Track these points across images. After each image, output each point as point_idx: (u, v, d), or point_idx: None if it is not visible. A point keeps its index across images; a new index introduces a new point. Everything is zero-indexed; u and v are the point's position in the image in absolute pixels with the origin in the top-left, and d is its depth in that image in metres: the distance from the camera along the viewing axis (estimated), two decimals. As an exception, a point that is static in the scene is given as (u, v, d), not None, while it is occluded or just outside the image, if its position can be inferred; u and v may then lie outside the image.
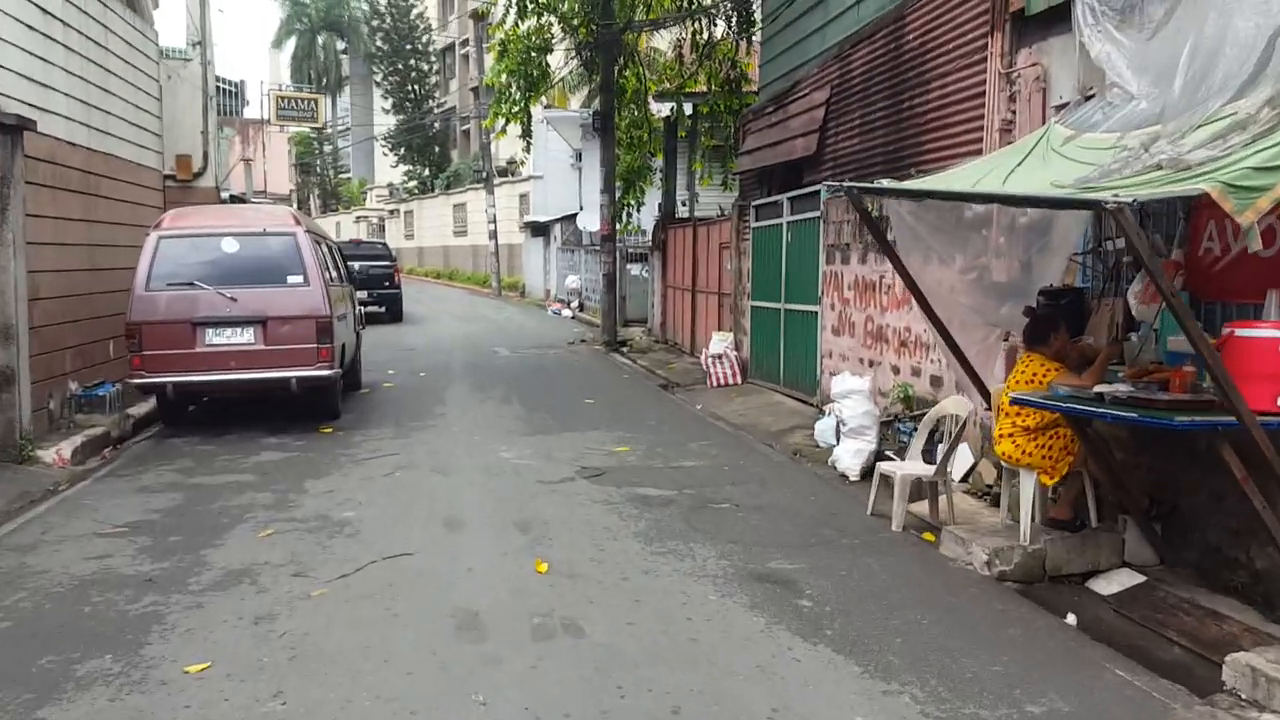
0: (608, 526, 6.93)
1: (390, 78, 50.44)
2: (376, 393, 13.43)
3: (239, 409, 11.39)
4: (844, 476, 8.86)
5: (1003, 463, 6.26)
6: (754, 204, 13.67)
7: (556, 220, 33.15)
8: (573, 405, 12.49)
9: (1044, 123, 7.12)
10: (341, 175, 73.66)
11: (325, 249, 12.05)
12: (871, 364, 10.08)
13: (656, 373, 16.01)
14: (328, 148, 71.10)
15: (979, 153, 7.93)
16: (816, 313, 11.44)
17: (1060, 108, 6.98)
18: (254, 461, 9.16)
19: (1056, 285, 6.71)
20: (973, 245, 6.90)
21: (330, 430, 10.61)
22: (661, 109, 20.42)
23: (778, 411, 11.76)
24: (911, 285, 6.62)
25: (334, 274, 12.08)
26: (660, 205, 20.62)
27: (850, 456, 8.98)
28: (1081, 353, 6.12)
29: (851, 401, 9.18)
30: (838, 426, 9.71)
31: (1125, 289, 6.27)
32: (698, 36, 18.95)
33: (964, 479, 7.93)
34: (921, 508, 7.35)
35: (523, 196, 39.00)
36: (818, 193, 11.37)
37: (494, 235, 36.38)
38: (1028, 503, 6.01)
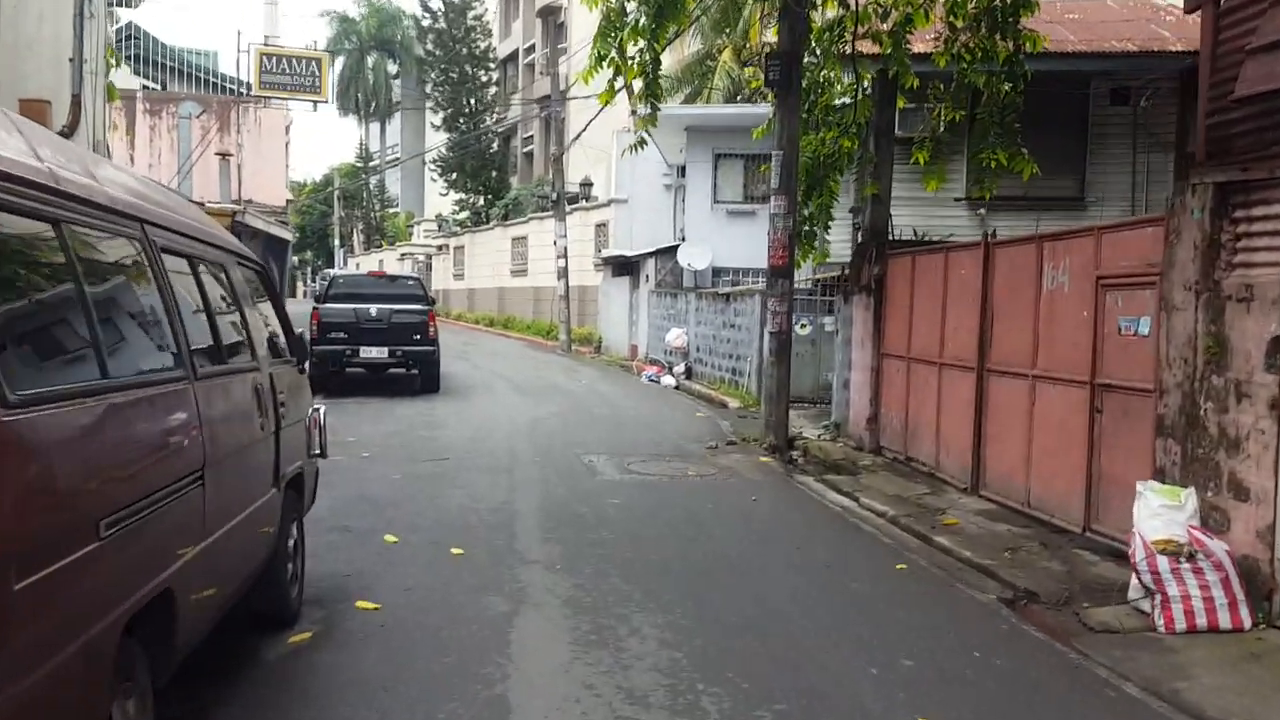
0: None
1: (442, 87, 42.76)
2: (335, 654, 5.16)
3: None
4: None
5: None
6: (1302, 172, 5.35)
7: (649, 255, 24.97)
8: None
9: None
10: (389, 209, 66.68)
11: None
12: None
13: (935, 540, 7.68)
14: (374, 179, 64.26)
15: None
16: None
17: None
18: None
19: None
20: None
21: None
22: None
23: None
24: None
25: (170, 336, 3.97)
26: (861, 220, 12.41)
27: None
28: None
29: None
30: None
31: None
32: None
33: None
34: None
35: (599, 226, 30.90)
36: None
37: (564, 273, 28.27)
38: None
